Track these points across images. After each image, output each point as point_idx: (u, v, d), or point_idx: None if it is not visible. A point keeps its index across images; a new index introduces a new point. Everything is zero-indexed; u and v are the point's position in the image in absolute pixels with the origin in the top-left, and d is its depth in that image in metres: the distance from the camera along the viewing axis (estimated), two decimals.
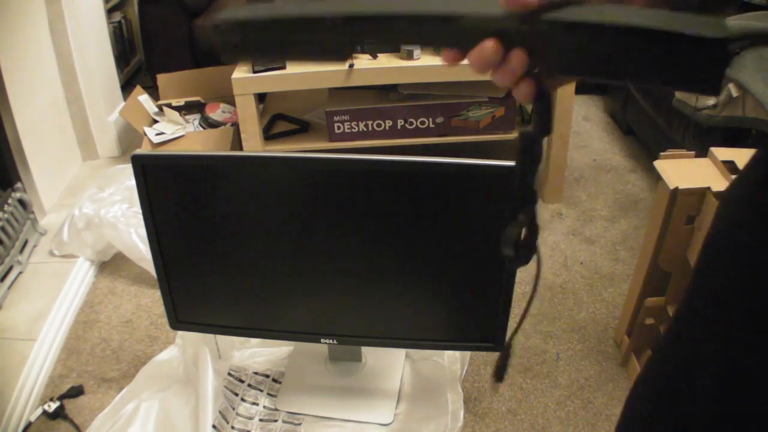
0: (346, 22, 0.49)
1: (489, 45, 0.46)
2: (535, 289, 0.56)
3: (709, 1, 0.50)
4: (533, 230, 0.52)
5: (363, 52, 1.87)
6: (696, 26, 0.42)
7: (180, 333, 1.56)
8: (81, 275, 1.82)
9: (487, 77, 0.49)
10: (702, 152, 1.31)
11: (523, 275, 1.79)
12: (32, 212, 1.95)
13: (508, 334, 1.46)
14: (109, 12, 2.82)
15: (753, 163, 0.60)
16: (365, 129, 2.00)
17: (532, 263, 0.53)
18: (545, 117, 0.50)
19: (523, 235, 0.51)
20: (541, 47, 0.46)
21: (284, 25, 0.51)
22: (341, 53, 0.51)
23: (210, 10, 2.75)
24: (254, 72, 1.89)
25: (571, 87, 1.93)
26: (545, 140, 0.51)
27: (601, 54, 0.45)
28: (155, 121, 2.39)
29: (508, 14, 0.45)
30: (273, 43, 0.52)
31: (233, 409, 1.37)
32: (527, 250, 0.52)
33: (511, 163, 1.00)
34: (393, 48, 1.93)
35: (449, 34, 0.48)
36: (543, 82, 0.48)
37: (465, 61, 0.49)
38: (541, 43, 0.46)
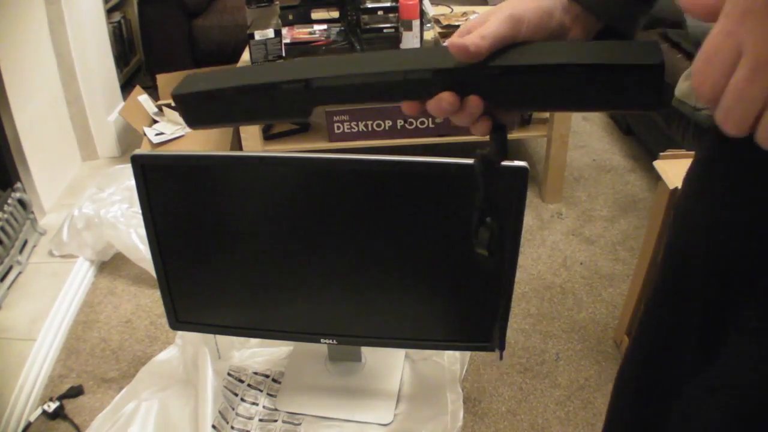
0: (306, 87, 0.50)
1: (446, 97, 0.49)
2: (508, 281, 0.60)
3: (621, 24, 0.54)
4: (500, 233, 0.55)
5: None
6: (631, 55, 0.44)
7: (180, 333, 1.56)
8: (81, 275, 1.82)
9: None
10: None
11: (523, 275, 1.80)
12: (32, 212, 1.95)
13: (515, 334, 1.47)
14: (109, 12, 2.82)
15: (693, 163, 0.63)
16: (365, 129, 2.00)
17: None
18: (502, 145, 0.52)
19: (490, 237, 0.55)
20: (495, 91, 0.49)
21: (245, 94, 0.52)
22: (304, 113, 0.53)
23: (210, 10, 2.75)
24: None
25: None
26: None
27: (551, 91, 0.48)
28: (155, 121, 2.39)
29: (459, 64, 0.48)
30: (236, 110, 0.54)
31: (233, 409, 1.37)
32: (497, 249, 0.56)
33: (513, 164, 1.01)
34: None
35: (407, 90, 0.51)
36: (498, 115, 0.51)
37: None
38: (494, 88, 0.48)
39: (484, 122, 0.51)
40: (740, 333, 0.57)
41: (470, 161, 1.04)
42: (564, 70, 0.46)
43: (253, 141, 2.01)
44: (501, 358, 1.41)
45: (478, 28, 0.48)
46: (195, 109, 0.54)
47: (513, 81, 0.48)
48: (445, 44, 0.51)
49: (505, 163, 1.14)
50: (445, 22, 2.07)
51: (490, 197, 0.54)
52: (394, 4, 1.91)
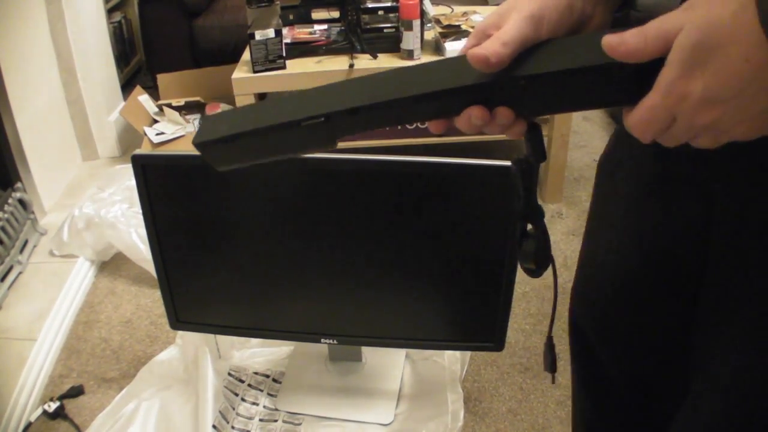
0: (327, 121, 0.49)
1: (475, 112, 0.47)
2: (555, 294, 0.60)
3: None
4: (545, 242, 0.53)
5: None
6: None
7: (180, 333, 1.56)
8: (81, 275, 1.82)
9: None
10: None
11: (523, 275, 1.79)
12: (32, 212, 1.95)
13: (515, 334, 1.46)
14: (109, 12, 2.82)
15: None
16: None
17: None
18: (539, 145, 0.51)
19: (535, 248, 0.53)
20: (524, 100, 0.47)
21: (266, 135, 0.51)
22: (330, 143, 0.51)
23: (210, 10, 2.75)
24: (254, 72, 1.89)
25: None
26: (546, 141, 0.52)
27: (580, 93, 0.47)
28: (155, 121, 2.39)
29: (482, 76, 0.46)
30: (260, 150, 0.53)
31: (233, 409, 1.37)
32: (544, 259, 0.54)
33: (510, 163, 1.00)
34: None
35: (434, 110, 0.49)
36: (529, 117, 0.49)
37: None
38: (522, 97, 0.47)
39: (519, 125, 0.48)
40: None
41: (470, 161, 1.04)
42: (586, 72, 0.45)
43: None
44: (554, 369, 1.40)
45: (497, 32, 0.46)
46: (218, 155, 0.53)
47: (542, 88, 0.46)
48: (461, 52, 0.49)
49: (504, 162, 1.13)
50: (445, 22, 2.07)
51: (532, 204, 0.51)
52: (394, 4, 1.91)
